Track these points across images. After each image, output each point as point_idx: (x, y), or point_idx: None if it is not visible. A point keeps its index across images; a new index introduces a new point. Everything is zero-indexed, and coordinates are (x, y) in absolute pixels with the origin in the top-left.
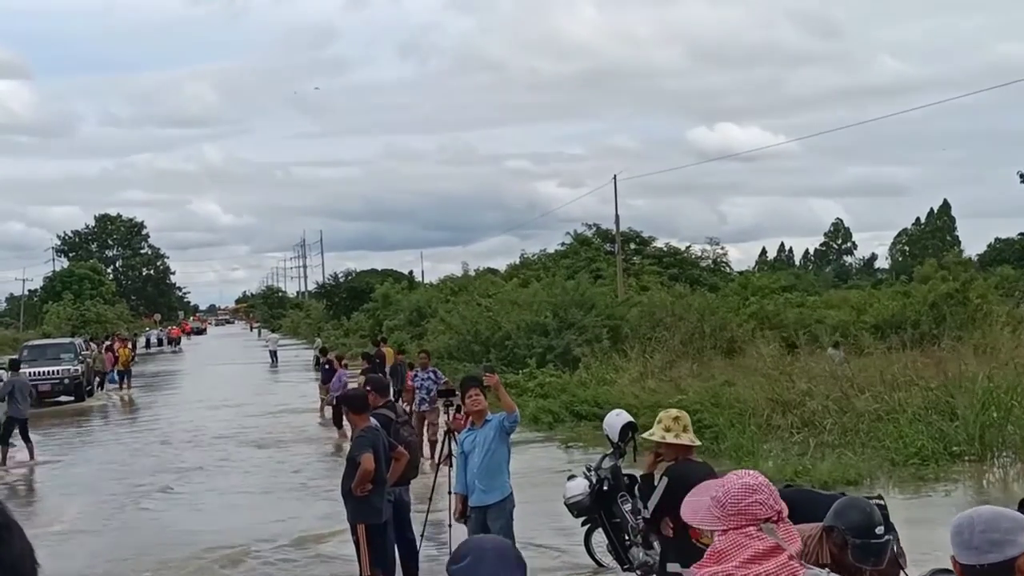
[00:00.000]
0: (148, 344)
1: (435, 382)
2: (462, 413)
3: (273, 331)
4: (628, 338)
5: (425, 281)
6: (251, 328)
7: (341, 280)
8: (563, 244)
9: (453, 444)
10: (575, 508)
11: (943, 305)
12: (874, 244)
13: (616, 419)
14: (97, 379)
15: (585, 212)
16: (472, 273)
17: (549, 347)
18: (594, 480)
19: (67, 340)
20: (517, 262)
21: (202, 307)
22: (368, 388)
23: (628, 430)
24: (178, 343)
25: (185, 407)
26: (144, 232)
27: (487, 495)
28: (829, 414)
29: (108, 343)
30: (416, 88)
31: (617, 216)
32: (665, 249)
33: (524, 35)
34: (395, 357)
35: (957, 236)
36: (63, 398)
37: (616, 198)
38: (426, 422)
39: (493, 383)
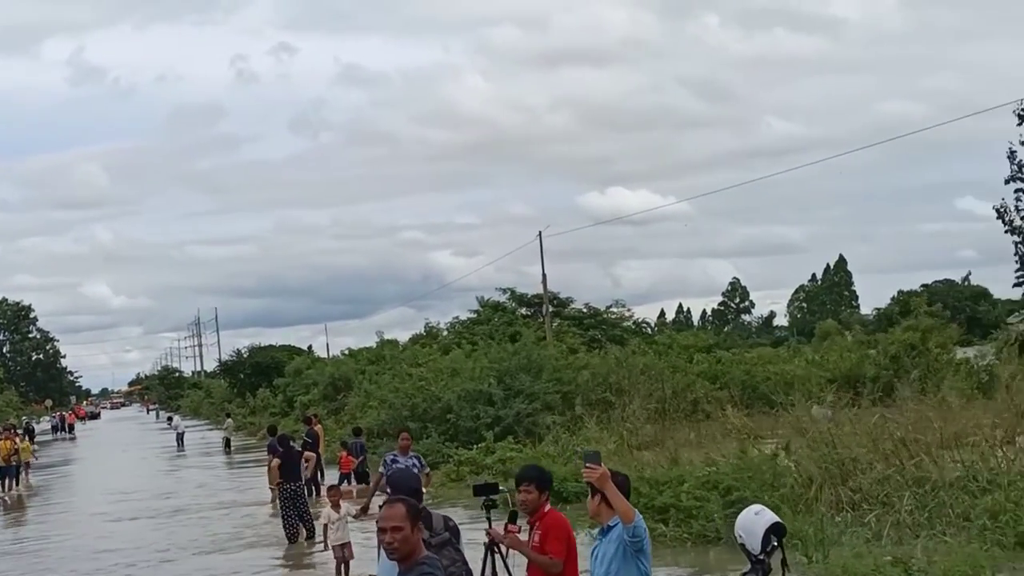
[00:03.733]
0: (55, 429)
1: (419, 469)
2: (516, 521)
3: (171, 416)
4: (582, 404)
5: (330, 355)
6: (147, 410)
7: (244, 356)
8: (474, 311)
9: (499, 562)
10: None
11: (904, 356)
12: (771, 303)
13: (756, 520)
14: None
15: (482, 281)
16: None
17: (496, 418)
18: None
19: None
20: (423, 332)
21: (94, 391)
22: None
23: (772, 534)
24: (72, 430)
25: (93, 511)
26: (32, 315)
27: None
28: (900, 486)
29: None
30: (308, 162)
31: (544, 275)
32: (585, 310)
33: (415, 107)
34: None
35: (855, 291)
36: None
37: (542, 254)
38: None
39: (596, 477)
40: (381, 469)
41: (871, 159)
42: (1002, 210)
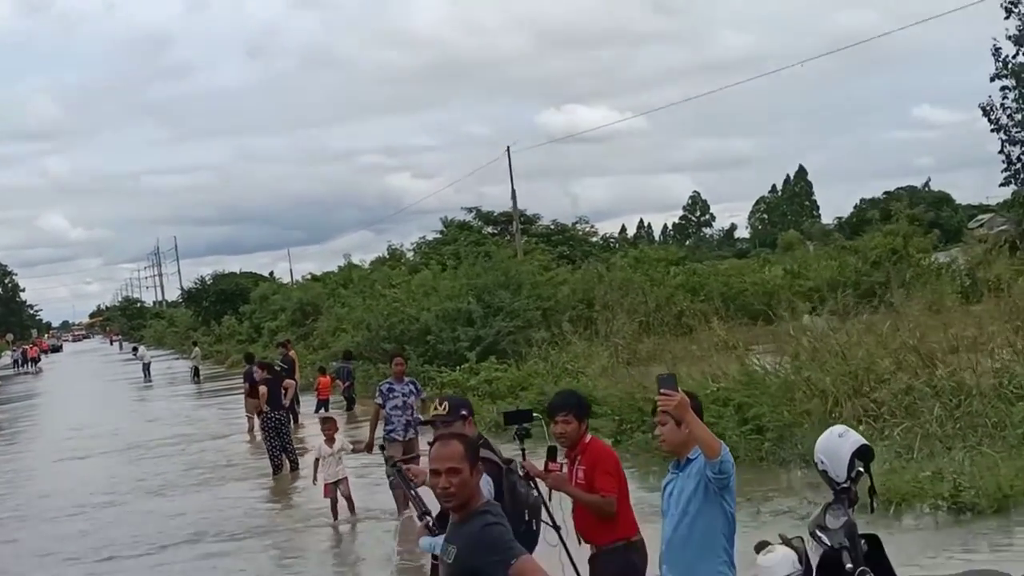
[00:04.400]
0: (16, 364)
1: (416, 395)
2: (557, 458)
3: (137, 347)
4: (568, 319)
5: (293, 280)
6: (111, 342)
7: (208, 283)
8: (438, 232)
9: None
10: None
11: (886, 263)
12: (731, 215)
13: (840, 443)
14: None
15: (441, 203)
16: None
17: (477, 337)
18: (811, 549)
19: None
20: (386, 254)
21: (55, 324)
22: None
23: (857, 459)
24: (36, 363)
25: (63, 447)
26: None
27: None
28: (925, 396)
29: None
30: (264, 89)
31: (513, 191)
32: (552, 227)
33: (370, 30)
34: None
35: (815, 201)
36: None
37: (511, 170)
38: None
39: (674, 406)
40: (377, 400)
41: (826, 69)
42: (988, 108)
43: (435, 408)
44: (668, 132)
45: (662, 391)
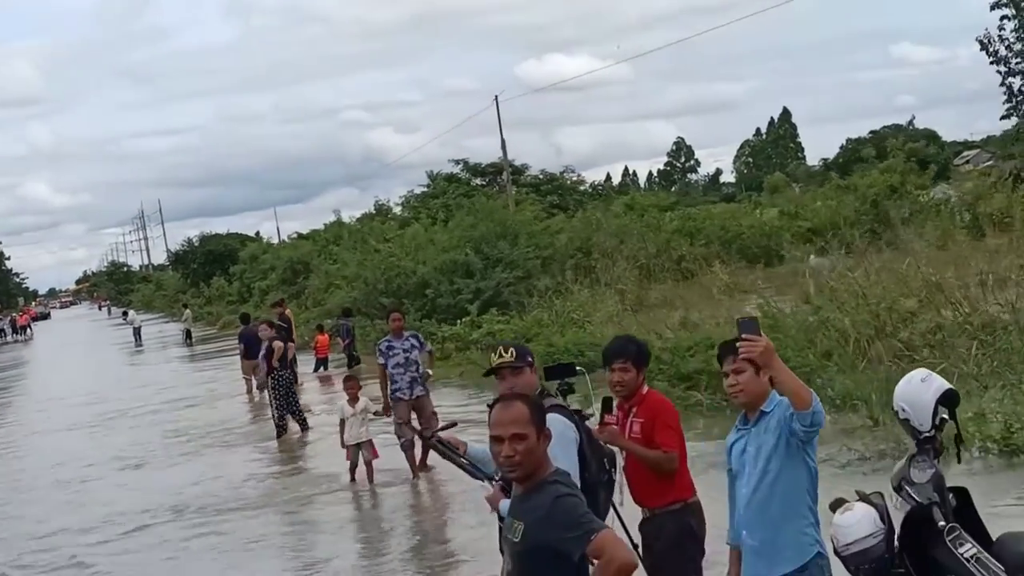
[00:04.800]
0: (3, 333)
1: (420, 349)
2: (613, 410)
3: (127, 310)
4: (570, 267)
5: (280, 239)
6: (99, 307)
7: (196, 245)
8: (425, 186)
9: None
10: (863, 563)
11: (884, 202)
12: (715, 160)
13: (922, 389)
14: None
15: (424, 159)
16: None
17: (477, 290)
18: (895, 505)
19: None
20: (372, 210)
21: (42, 291)
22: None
23: (941, 405)
24: (27, 330)
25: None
26: None
27: (763, 559)
28: (955, 333)
29: None
30: (243, 48)
31: (503, 140)
32: (541, 176)
33: None
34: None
35: (800, 143)
36: None
37: (500, 120)
38: (419, 415)
39: (759, 352)
40: (379, 360)
41: (804, 10)
42: (986, 40)
43: (499, 355)
44: (650, 78)
45: (743, 335)
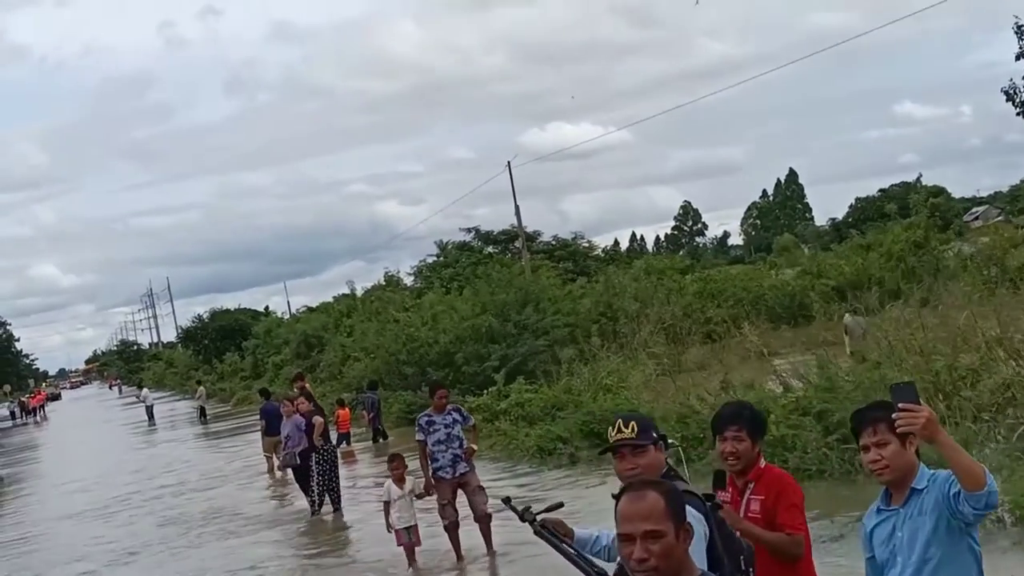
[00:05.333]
0: (13, 416)
1: (463, 423)
2: (725, 486)
3: (141, 386)
4: (597, 334)
5: (291, 313)
6: (111, 387)
7: (207, 321)
8: (435, 256)
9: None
10: None
11: (908, 258)
12: (721, 223)
13: None
14: None
15: (430, 229)
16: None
17: (504, 357)
18: None
19: None
20: (382, 281)
21: (52, 372)
22: None
23: None
24: (40, 411)
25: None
26: None
27: None
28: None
29: None
30: (245, 124)
31: (517, 206)
32: (555, 243)
33: (348, 58)
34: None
35: (808, 204)
36: None
37: (513, 186)
38: (465, 490)
39: (921, 424)
40: (419, 436)
41: (805, 72)
42: (1011, 91)
43: (618, 430)
44: (653, 143)
45: (900, 404)
